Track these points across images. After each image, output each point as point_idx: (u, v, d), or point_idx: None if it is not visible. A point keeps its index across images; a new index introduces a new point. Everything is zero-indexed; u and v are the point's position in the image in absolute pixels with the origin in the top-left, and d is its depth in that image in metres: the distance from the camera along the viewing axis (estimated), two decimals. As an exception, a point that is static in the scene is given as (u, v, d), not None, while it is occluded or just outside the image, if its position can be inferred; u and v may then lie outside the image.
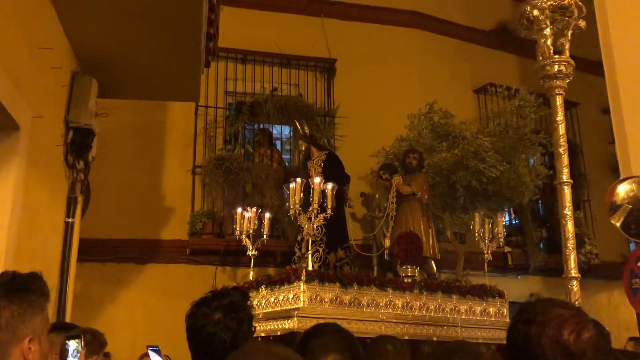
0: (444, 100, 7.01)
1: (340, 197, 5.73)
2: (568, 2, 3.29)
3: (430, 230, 6.10)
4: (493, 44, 8.91)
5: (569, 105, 3.68)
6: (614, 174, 6.54)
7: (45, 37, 3.33)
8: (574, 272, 3.13)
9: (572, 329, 1.07)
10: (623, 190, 5.02)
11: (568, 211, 3.19)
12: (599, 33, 5.71)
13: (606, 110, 6.71)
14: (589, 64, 6.82)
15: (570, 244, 3.16)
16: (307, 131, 6.53)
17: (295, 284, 4.68)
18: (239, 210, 5.95)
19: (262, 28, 7.43)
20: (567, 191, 3.24)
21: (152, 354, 2.12)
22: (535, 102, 6.56)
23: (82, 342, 1.81)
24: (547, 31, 3.30)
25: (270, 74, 7.49)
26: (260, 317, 4.89)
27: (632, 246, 6.66)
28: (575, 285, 3.11)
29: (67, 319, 3.77)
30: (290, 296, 4.72)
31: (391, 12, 8.19)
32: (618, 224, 4.96)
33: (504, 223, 6.01)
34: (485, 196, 6.29)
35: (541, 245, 8.21)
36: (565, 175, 3.25)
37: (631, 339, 5.80)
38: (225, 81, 7.34)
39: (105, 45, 3.93)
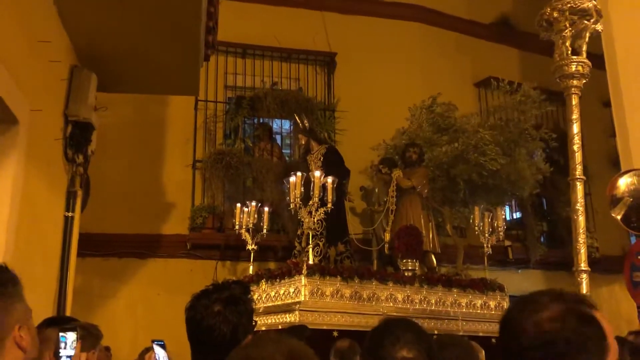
0: (444, 93, 6.99)
1: (340, 191, 5.72)
2: (587, 6, 3.38)
3: (430, 224, 6.10)
4: (494, 37, 8.87)
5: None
6: (615, 168, 6.53)
7: (43, 30, 3.31)
8: (583, 266, 3.19)
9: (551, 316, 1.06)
10: (624, 183, 5.02)
11: (580, 206, 3.28)
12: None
13: (607, 103, 6.71)
14: (590, 57, 6.79)
15: (581, 238, 3.23)
16: (306, 125, 6.52)
17: (297, 277, 4.69)
18: (238, 204, 5.95)
19: (262, 22, 7.40)
20: (579, 187, 3.33)
21: (157, 348, 2.11)
22: (537, 99, 6.54)
23: (78, 335, 1.80)
24: (567, 33, 3.39)
25: (270, 68, 7.47)
26: (260, 311, 4.89)
27: (633, 239, 6.67)
28: (584, 278, 3.17)
29: (67, 314, 3.77)
30: (291, 290, 4.72)
31: (392, 5, 8.16)
32: (619, 217, 4.96)
33: (504, 217, 6.01)
34: (485, 190, 6.29)
35: (542, 239, 8.21)
36: (578, 172, 3.35)
37: (631, 333, 5.79)
38: (225, 75, 7.32)
39: (104, 39, 3.91)
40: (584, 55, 3.47)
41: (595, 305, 1.10)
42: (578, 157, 3.43)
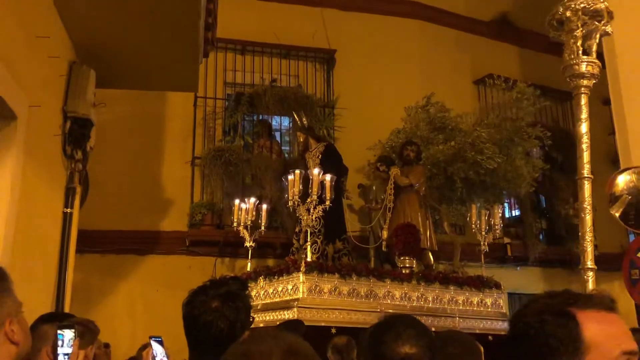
0: (443, 91, 6.98)
1: (338, 188, 5.72)
2: (600, 7, 3.40)
3: (428, 221, 6.10)
4: (493, 34, 8.86)
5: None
6: (614, 165, 6.53)
7: (42, 26, 3.31)
8: (590, 264, 3.22)
9: None
10: (623, 181, 5.02)
11: (587, 205, 3.31)
12: (599, 23, 5.68)
13: (607, 101, 6.71)
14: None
15: (588, 236, 3.26)
16: (305, 122, 6.52)
17: (295, 274, 4.69)
18: (237, 201, 5.95)
19: (261, 18, 7.38)
20: (587, 186, 3.37)
21: (154, 344, 2.11)
22: (533, 95, 6.54)
23: (76, 332, 1.79)
24: (578, 33, 3.41)
25: (269, 65, 7.45)
26: (259, 308, 4.90)
27: (632, 237, 6.68)
28: (591, 277, 3.20)
29: (66, 310, 3.77)
30: (290, 287, 4.73)
31: (391, 2, 8.14)
32: (617, 215, 4.96)
33: (501, 215, 6.02)
34: (482, 188, 6.29)
35: (541, 237, 8.22)
36: (586, 171, 3.38)
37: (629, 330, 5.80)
38: (224, 72, 7.31)
39: (103, 34, 3.91)
40: (594, 55, 3.49)
41: (604, 307, 1.06)
42: (586, 156, 3.46)
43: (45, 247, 3.67)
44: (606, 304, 1.07)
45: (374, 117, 7.24)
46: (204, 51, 4.51)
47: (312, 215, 4.86)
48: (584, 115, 3.46)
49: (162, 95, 6.69)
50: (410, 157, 6.18)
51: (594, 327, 1.01)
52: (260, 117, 7.39)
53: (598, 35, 3.44)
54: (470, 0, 8.76)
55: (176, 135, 6.97)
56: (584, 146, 3.44)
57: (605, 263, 7.55)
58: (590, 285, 3.21)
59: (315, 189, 4.85)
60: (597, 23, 3.40)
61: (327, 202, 4.86)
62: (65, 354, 1.76)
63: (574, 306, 1.03)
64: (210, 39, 4.48)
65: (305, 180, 5.03)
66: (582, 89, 3.47)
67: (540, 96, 6.71)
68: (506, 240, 7.65)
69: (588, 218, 3.34)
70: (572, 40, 3.40)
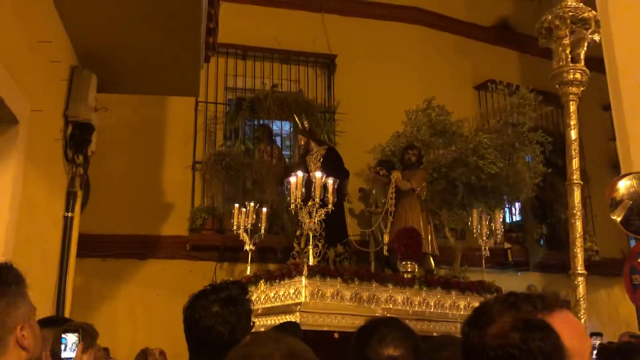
0: (444, 96, 7.00)
1: (340, 192, 5.72)
2: (588, 16, 3.44)
3: (429, 226, 6.09)
4: (494, 40, 8.89)
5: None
6: (615, 171, 6.54)
7: (44, 30, 3.32)
8: (580, 269, 3.22)
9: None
10: (623, 186, 5.03)
11: (577, 211, 3.33)
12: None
13: (607, 107, 6.72)
14: (590, 60, 6.80)
15: (579, 242, 3.27)
16: (306, 126, 6.52)
17: (297, 278, 4.68)
18: (237, 205, 5.95)
19: (262, 24, 7.41)
20: (577, 192, 3.37)
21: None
22: (535, 100, 6.55)
23: (80, 336, 1.79)
24: (566, 40, 3.46)
25: (270, 70, 7.47)
26: (259, 312, 4.89)
27: (632, 242, 6.67)
28: (581, 282, 3.20)
29: (67, 315, 3.77)
30: (291, 291, 4.71)
31: (391, 7, 8.17)
32: (618, 220, 4.96)
33: (501, 219, 6.01)
34: (483, 193, 6.29)
35: (541, 242, 8.21)
36: (576, 177, 3.39)
37: (632, 336, 5.79)
38: (225, 77, 7.33)
39: (104, 39, 3.92)
40: (582, 63, 3.53)
41: (559, 306, 1.03)
42: (575, 162, 3.48)
43: (46, 251, 3.67)
44: (559, 302, 1.05)
45: (374, 122, 7.25)
46: (205, 56, 4.52)
47: (314, 219, 4.86)
48: (573, 121, 3.50)
49: (163, 100, 6.71)
50: (411, 161, 6.17)
51: (566, 331, 0.99)
52: (261, 122, 7.40)
53: (586, 43, 3.48)
54: (471, 5, 8.79)
55: (177, 140, 6.98)
56: (574, 152, 3.47)
57: (606, 268, 7.58)
58: (581, 291, 3.22)
59: (317, 192, 4.84)
60: (584, 31, 3.44)
61: (330, 206, 4.85)
62: (68, 358, 1.76)
63: (540, 313, 1.00)
64: (211, 44, 4.50)
65: (307, 183, 5.02)
66: (571, 96, 3.50)
67: (542, 102, 6.71)
68: (507, 245, 7.64)
69: (578, 224, 3.36)
70: (560, 48, 3.45)
